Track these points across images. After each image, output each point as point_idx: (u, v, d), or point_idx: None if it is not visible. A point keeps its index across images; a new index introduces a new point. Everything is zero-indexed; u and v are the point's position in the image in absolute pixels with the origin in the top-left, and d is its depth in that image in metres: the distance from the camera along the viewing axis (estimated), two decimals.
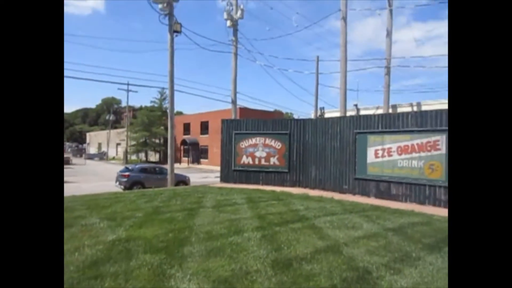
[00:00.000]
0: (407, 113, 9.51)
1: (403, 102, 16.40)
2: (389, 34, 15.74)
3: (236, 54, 16.92)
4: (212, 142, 34.11)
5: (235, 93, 17.19)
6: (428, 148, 8.85)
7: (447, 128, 8.42)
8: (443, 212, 7.62)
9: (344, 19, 13.46)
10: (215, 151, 31.87)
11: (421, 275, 3.48)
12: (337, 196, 9.82)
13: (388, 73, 15.55)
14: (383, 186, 9.79)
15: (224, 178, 12.92)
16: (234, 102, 17.27)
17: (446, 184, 8.40)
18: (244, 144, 12.69)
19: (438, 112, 8.78)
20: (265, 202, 8.03)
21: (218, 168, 13.93)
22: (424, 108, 15.43)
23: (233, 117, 16.83)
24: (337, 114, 13.15)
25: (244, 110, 30.61)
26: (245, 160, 12.65)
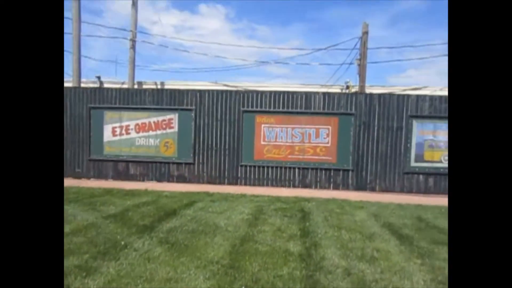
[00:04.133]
0: (145, 90, 9.30)
1: (148, 80, 16.23)
2: (134, 4, 14.92)
3: None
4: None
5: None
6: (164, 126, 9.03)
7: (181, 107, 8.88)
8: (174, 187, 8.06)
9: None
10: None
11: (119, 268, 3.09)
12: (68, 182, 8.25)
13: (133, 47, 14.83)
14: (122, 166, 9.20)
15: None
16: None
17: (179, 160, 8.92)
18: None
19: (173, 91, 9.08)
20: None
21: None
22: (167, 87, 15.99)
23: None
24: (70, 85, 11.05)
25: None
26: None
